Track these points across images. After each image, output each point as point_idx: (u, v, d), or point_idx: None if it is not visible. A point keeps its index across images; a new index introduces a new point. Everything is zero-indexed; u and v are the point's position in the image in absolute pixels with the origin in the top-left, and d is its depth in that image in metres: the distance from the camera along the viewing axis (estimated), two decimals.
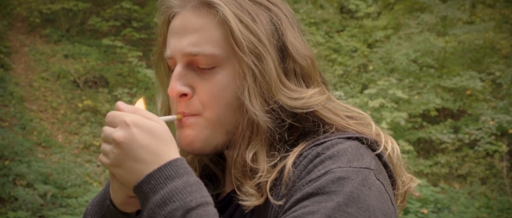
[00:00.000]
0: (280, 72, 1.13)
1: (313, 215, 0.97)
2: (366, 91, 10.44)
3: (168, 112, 1.26)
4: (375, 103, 9.89)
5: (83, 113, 11.32)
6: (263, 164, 1.10)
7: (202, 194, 0.98)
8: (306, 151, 1.09)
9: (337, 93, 10.53)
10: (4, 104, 10.84)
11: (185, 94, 1.14)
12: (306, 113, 1.14)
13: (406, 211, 7.49)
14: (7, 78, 11.56)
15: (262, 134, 1.11)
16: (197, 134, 1.15)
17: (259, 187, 1.10)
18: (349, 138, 1.10)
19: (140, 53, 12.12)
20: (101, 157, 1.05)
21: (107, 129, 1.03)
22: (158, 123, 1.03)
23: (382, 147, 1.12)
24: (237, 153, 1.14)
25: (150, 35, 13.25)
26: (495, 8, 12.26)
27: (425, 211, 7.49)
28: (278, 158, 1.11)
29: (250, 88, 1.10)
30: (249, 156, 1.11)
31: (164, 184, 0.97)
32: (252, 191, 1.10)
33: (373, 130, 1.16)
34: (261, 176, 1.09)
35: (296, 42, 1.17)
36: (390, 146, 1.15)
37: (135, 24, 13.27)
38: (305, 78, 1.17)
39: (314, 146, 1.09)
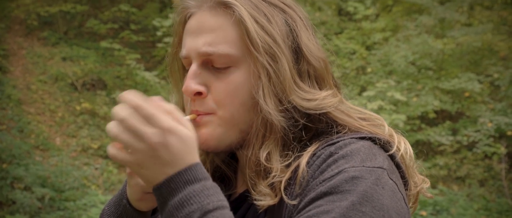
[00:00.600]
0: (294, 73, 1.14)
1: (327, 214, 0.98)
2: (364, 94, 10.44)
3: (182, 112, 1.25)
4: (373, 105, 9.88)
5: (81, 116, 11.29)
6: (277, 164, 1.11)
7: (219, 197, 0.99)
8: (319, 150, 1.10)
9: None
10: (2, 107, 10.81)
11: (199, 93, 1.15)
12: (319, 114, 1.15)
13: None
14: (5, 81, 11.54)
15: (276, 133, 1.12)
16: (212, 132, 1.16)
17: (272, 187, 1.11)
18: (362, 138, 1.11)
19: (138, 56, 12.11)
20: (120, 151, 1.02)
21: (138, 123, 0.97)
22: (190, 130, 1.02)
23: (395, 148, 1.13)
24: (251, 152, 1.14)
25: (148, 38, 13.26)
26: (493, 10, 12.28)
27: (424, 213, 7.49)
28: (292, 158, 1.12)
29: (264, 87, 1.11)
30: (263, 155, 1.12)
31: (183, 187, 0.98)
32: (266, 190, 1.11)
33: (386, 131, 1.17)
34: (274, 176, 1.10)
35: (310, 44, 1.19)
36: (403, 146, 1.16)
37: (133, 26, 13.26)
38: (318, 80, 1.19)
39: (327, 145, 1.10)
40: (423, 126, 10.48)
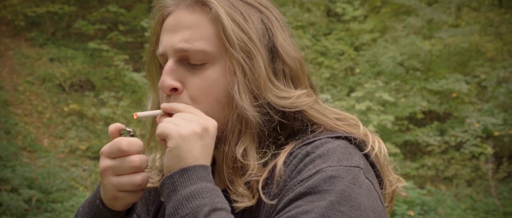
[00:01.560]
0: (269, 72, 1.15)
1: (307, 214, 0.99)
2: (353, 94, 10.47)
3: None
4: (362, 106, 9.91)
5: (69, 117, 11.22)
6: (253, 161, 1.12)
7: (225, 201, 1.05)
8: (296, 150, 1.11)
9: (324, 96, 10.57)
10: None
11: (175, 89, 1.16)
12: (294, 113, 1.16)
13: (393, 214, 7.50)
14: None
15: (251, 129, 1.13)
16: None
17: (249, 186, 1.12)
18: (337, 137, 1.12)
19: (127, 57, 12.05)
20: (169, 123, 1.09)
21: (188, 114, 1.11)
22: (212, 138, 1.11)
23: (369, 147, 1.14)
24: (228, 149, 1.15)
25: (137, 39, 13.20)
26: (480, 11, 12.36)
27: (411, 213, 7.52)
28: (269, 156, 1.14)
29: (239, 84, 1.13)
30: (239, 151, 1.13)
31: (196, 181, 1.03)
32: (244, 191, 1.11)
33: (361, 130, 1.19)
34: (251, 174, 1.11)
35: (286, 44, 1.20)
36: (377, 146, 1.18)
37: (121, 27, 13.19)
38: (293, 79, 1.20)
39: (303, 145, 1.11)
40: (411, 126, 10.53)
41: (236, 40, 1.13)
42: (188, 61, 1.16)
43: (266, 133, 1.15)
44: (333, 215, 0.99)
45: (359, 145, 1.14)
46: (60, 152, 10.09)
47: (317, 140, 1.11)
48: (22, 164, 8.94)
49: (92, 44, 12.31)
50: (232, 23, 1.13)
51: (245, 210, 1.12)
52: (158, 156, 1.35)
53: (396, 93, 10.67)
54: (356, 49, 12.83)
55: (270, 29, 1.18)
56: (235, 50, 1.13)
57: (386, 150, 1.20)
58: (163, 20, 1.23)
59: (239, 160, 1.13)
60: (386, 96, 10.01)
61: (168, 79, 1.15)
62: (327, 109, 1.23)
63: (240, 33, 1.13)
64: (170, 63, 1.16)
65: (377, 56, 11.56)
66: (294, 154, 1.10)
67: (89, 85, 12.35)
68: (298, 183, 1.04)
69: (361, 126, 1.20)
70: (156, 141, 1.29)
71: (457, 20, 12.33)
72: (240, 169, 1.13)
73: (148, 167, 1.27)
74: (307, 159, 1.07)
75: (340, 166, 1.05)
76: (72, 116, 11.26)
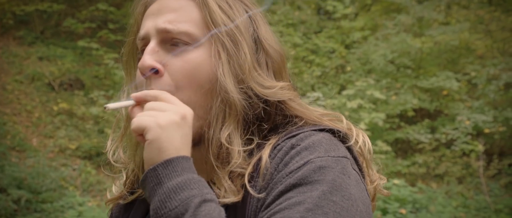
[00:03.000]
0: (254, 60, 1.14)
1: (300, 205, 0.97)
2: (344, 92, 10.47)
3: None
4: (353, 104, 9.92)
5: (59, 116, 11.13)
6: (238, 146, 1.09)
7: (213, 192, 1.01)
8: (280, 142, 1.09)
9: (315, 94, 10.58)
10: None
11: (156, 72, 1.11)
12: (277, 105, 1.15)
13: (385, 212, 7.51)
14: None
15: (236, 112, 1.11)
16: None
17: (233, 180, 1.09)
18: (321, 130, 1.11)
19: (117, 55, 11.97)
20: (144, 116, 1.05)
21: (162, 104, 1.06)
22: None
23: (353, 140, 1.14)
24: (212, 134, 1.11)
25: (127, 37, 13.11)
26: (470, 9, 12.41)
27: (403, 211, 7.53)
28: (254, 145, 1.11)
29: (224, 67, 1.10)
30: (224, 136, 1.10)
31: (181, 173, 0.99)
32: (229, 185, 1.08)
33: (345, 125, 1.18)
34: (236, 163, 1.08)
35: (269, 37, 1.19)
36: (362, 139, 1.17)
37: (111, 26, 13.11)
38: (275, 73, 1.19)
39: (287, 138, 1.09)
40: (402, 124, 10.55)
41: (223, 25, 1.11)
42: (171, 44, 1.12)
43: (251, 119, 1.13)
44: (326, 205, 0.97)
45: (343, 138, 1.13)
46: (50, 152, 10.01)
47: (301, 132, 1.09)
48: (11, 164, 8.86)
49: (81, 43, 12.23)
50: (218, 8, 1.12)
51: (230, 206, 1.08)
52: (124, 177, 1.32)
53: (387, 91, 10.69)
54: (347, 47, 12.84)
55: (255, 21, 1.17)
56: (221, 34, 1.11)
57: (370, 144, 1.19)
58: (145, 9, 1.19)
59: (224, 145, 1.09)
60: (377, 94, 10.02)
61: (148, 59, 1.10)
62: (309, 106, 1.22)
63: (227, 19, 1.12)
64: (152, 44, 1.12)
65: (368, 54, 11.57)
66: (278, 147, 1.08)
67: (79, 84, 12.26)
68: (287, 175, 1.02)
69: (345, 120, 1.20)
70: (130, 139, 1.25)
71: (447, 18, 12.37)
72: (226, 157, 1.10)
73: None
74: (293, 151, 1.05)
75: (328, 156, 1.03)
76: (62, 115, 11.17)
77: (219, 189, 1.08)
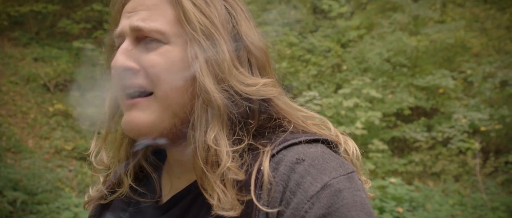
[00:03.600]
0: (233, 58, 1.10)
1: None
2: (340, 91, 10.46)
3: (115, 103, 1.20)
4: (349, 103, 9.91)
5: (54, 117, 11.10)
6: (225, 147, 1.05)
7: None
8: (276, 153, 1.05)
9: (311, 93, 10.58)
10: None
11: (130, 70, 1.09)
12: (261, 104, 1.11)
13: (382, 211, 7.50)
14: None
15: (219, 112, 1.06)
16: (147, 117, 1.09)
17: (226, 187, 1.03)
18: (315, 140, 1.08)
19: None
20: None
21: None
22: None
23: (342, 148, 1.12)
24: (198, 137, 1.07)
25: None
26: (465, 7, 12.42)
27: (400, 210, 7.52)
28: (243, 145, 1.07)
29: (202, 68, 1.07)
30: (210, 137, 1.05)
31: None
32: (225, 195, 1.02)
33: (332, 132, 1.16)
34: (226, 165, 1.03)
35: (251, 33, 1.15)
36: (351, 147, 1.14)
37: (106, 26, 13.03)
38: (260, 70, 1.15)
39: (284, 148, 1.05)
40: (398, 122, 10.55)
41: (198, 24, 1.08)
42: (145, 42, 1.10)
43: (236, 118, 1.09)
44: None
45: (335, 147, 1.11)
46: (45, 153, 9.97)
47: (297, 143, 1.06)
48: (6, 165, 8.82)
49: (76, 44, 12.20)
50: (193, 6, 1.09)
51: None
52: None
53: (383, 90, 10.69)
54: (343, 46, 12.83)
55: (234, 17, 1.13)
56: (197, 33, 1.08)
57: (358, 151, 1.16)
58: (123, 7, 1.17)
59: (212, 147, 1.05)
60: (373, 93, 10.01)
61: (121, 58, 1.09)
62: (293, 104, 1.18)
63: (202, 16, 1.08)
64: (125, 43, 1.11)
65: (363, 52, 11.57)
66: (277, 158, 1.04)
67: (74, 85, 12.23)
68: (308, 200, 0.99)
69: (332, 127, 1.17)
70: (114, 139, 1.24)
71: (442, 16, 12.38)
72: (215, 160, 1.05)
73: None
74: (300, 168, 1.02)
75: (341, 176, 1.02)
76: (57, 116, 11.14)
77: (212, 197, 1.03)
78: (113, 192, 1.29)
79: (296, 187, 1.00)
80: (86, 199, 1.33)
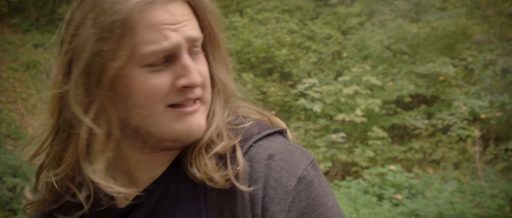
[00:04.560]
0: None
1: None
2: (340, 79, 10.45)
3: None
4: (349, 90, 9.90)
5: None
6: (225, 131, 1.16)
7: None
8: (248, 152, 1.11)
9: (311, 80, 10.56)
10: None
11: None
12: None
13: (381, 198, 7.52)
14: None
15: (228, 98, 1.20)
16: (204, 119, 1.15)
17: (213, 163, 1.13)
18: (274, 131, 1.16)
19: None
20: None
21: None
22: None
23: (289, 136, 1.20)
24: (218, 122, 1.16)
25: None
26: None
27: (399, 197, 7.54)
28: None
29: (220, 63, 1.18)
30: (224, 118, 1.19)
31: None
32: (219, 178, 1.08)
33: (273, 119, 1.24)
34: (226, 145, 1.12)
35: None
36: (284, 126, 1.23)
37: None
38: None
39: (251, 145, 1.12)
40: (398, 110, 10.55)
41: (212, 31, 1.16)
42: (192, 51, 1.12)
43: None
44: (333, 214, 1.12)
45: (285, 134, 1.20)
46: None
47: (260, 138, 1.13)
48: (6, 152, 8.83)
49: None
50: (208, 16, 1.15)
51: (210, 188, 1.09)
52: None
53: (383, 77, 10.67)
54: (343, 33, 12.79)
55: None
56: (213, 39, 1.17)
57: (283, 123, 1.26)
58: (145, 16, 1.06)
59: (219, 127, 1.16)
60: (373, 80, 10.00)
61: (197, 77, 1.10)
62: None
63: (213, 24, 1.17)
64: (188, 58, 1.10)
65: (364, 40, 11.54)
66: (249, 155, 1.11)
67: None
68: (289, 195, 1.08)
69: (260, 109, 1.26)
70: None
71: (444, 3, 12.32)
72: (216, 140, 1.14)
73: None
74: (273, 164, 1.09)
75: (308, 166, 1.11)
76: None
77: (199, 170, 1.10)
78: (59, 199, 1.21)
79: (276, 183, 1.08)
80: (23, 202, 1.25)
